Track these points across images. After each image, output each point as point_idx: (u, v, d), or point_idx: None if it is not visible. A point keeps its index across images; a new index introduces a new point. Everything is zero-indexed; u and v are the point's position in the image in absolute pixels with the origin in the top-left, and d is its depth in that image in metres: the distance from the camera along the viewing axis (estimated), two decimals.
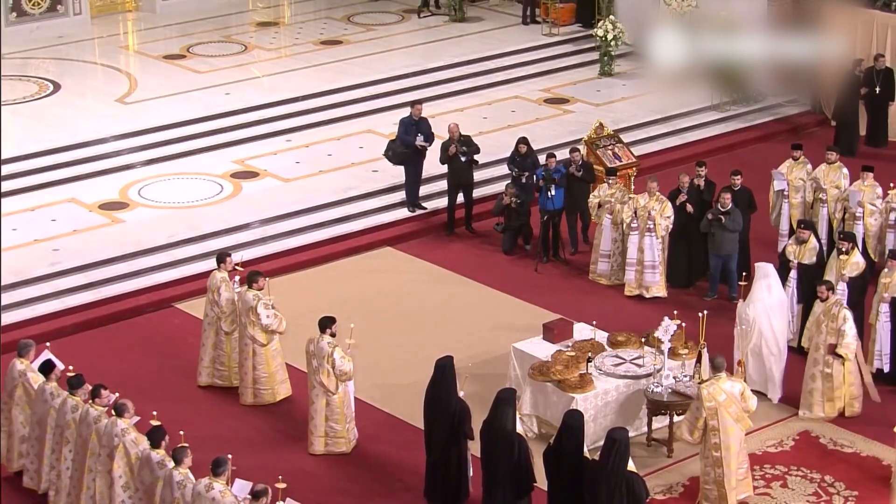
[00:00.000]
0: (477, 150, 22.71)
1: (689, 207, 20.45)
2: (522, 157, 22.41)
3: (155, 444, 14.77)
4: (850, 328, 17.26)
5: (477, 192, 23.07)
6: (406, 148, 22.83)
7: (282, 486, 13.96)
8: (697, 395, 15.82)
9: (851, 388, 17.55)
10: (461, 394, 15.75)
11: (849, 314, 17.32)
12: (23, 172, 23.53)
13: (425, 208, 23.29)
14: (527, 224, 22.20)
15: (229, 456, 14.32)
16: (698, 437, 15.78)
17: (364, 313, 19.91)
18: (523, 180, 22.24)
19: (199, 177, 24.06)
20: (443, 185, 23.12)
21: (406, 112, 23.55)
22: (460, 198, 22.85)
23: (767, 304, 17.87)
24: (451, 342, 19.01)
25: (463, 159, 22.42)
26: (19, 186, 23.26)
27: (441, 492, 15.84)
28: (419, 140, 22.74)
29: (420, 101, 23.57)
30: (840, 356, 17.32)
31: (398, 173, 23.53)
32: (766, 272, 18.10)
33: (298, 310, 19.31)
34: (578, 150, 22.05)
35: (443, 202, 23.15)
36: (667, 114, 26.84)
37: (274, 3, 33.05)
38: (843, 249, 18.70)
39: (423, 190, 23.43)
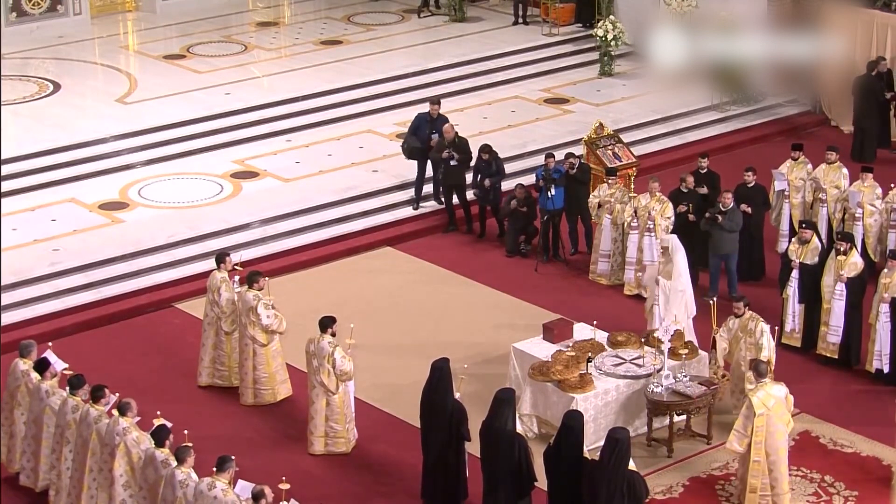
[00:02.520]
0: (469, 158, 22.68)
1: (692, 217, 20.43)
2: (486, 164, 22.44)
3: (159, 443, 14.77)
4: (767, 341, 16.82)
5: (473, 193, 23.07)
6: (417, 143, 22.89)
7: (285, 486, 13.96)
8: (747, 404, 15.40)
9: None
10: (457, 395, 15.75)
11: (766, 327, 16.91)
12: (23, 172, 23.54)
13: (424, 207, 23.29)
14: (531, 225, 22.17)
15: (233, 457, 14.32)
16: (746, 445, 15.39)
17: (364, 313, 19.92)
18: (486, 184, 22.30)
19: (199, 177, 24.06)
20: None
21: (407, 112, 23.55)
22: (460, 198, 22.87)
23: (689, 274, 18.45)
24: (451, 342, 19.03)
25: (453, 163, 22.43)
26: (19, 186, 23.27)
27: (440, 493, 15.83)
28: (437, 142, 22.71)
29: (437, 101, 23.51)
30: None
31: (398, 173, 23.54)
32: (677, 244, 18.48)
33: (298, 310, 19.31)
34: (573, 154, 22.06)
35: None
36: (667, 114, 26.83)
37: (274, 3, 33.05)
38: (841, 249, 18.68)
39: (425, 189, 23.40)
